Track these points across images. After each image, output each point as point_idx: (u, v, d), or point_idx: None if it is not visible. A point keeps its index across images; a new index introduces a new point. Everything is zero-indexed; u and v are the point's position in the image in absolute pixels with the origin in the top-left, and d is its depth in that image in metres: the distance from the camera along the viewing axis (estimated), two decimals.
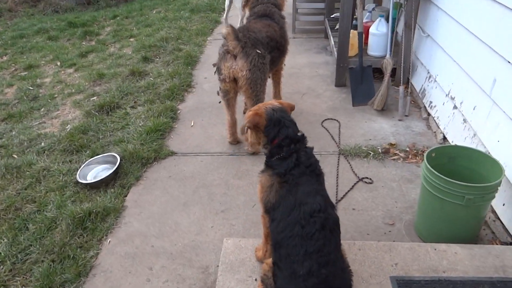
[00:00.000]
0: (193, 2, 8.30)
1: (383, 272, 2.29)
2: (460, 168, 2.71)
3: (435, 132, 3.90)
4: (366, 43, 4.79)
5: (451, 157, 2.73)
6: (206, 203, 3.12)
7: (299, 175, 1.93)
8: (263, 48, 3.30)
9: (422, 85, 4.37)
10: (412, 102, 4.41)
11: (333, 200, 3.06)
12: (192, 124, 4.15)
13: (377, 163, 3.48)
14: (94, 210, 2.94)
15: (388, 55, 4.25)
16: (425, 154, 2.64)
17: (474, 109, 3.29)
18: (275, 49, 3.56)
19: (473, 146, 3.26)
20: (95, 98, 4.72)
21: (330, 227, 1.89)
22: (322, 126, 4.02)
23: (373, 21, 4.78)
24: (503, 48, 2.89)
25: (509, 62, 2.83)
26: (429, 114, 4.14)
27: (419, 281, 2.22)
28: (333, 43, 5.21)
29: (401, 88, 4.14)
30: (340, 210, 2.98)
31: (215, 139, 3.90)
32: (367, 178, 3.31)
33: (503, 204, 2.75)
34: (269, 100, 2.20)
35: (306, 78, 5.06)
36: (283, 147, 2.00)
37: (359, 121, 4.09)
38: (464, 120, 3.46)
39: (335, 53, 4.88)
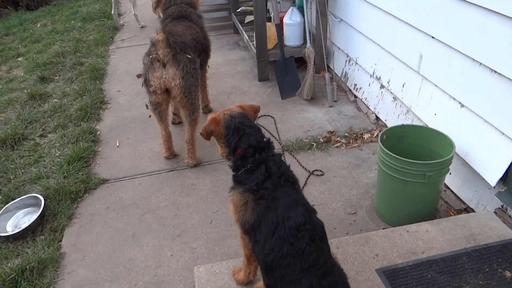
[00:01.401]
0: (83, 10, 7.60)
1: (367, 266, 2.23)
2: (410, 147, 2.76)
3: (366, 113, 3.99)
4: (282, 34, 4.75)
5: (401, 136, 2.77)
6: (158, 229, 2.81)
7: (274, 187, 1.75)
8: (192, 52, 3.04)
9: (343, 69, 4.44)
10: (337, 87, 4.46)
11: None
12: (118, 144, 3.75)
13: (322, 154, 3.45)
14: (27, 267, 2.48)
15: (308, 44, 4.24)
16: (378, 138, 2.63)
17: (403, 86, 3.39)
18: (202, 52, 3.32)
19: (408, 122, 3.37)
20: None
21: (319, 236, 1.75)
22: (258, 124, 3.87)
23: (283, 12, 4.75)
24: (425, 25, 2.99)
25: (433, 37, 2.93)
26: (356, 97, 4.22)
27: (404, 267, 2.20)
28: (247, 37, 5.09)
29: (327, 74, 4.16)
30: None
31: (148, 156, 3.56)
32: (317, 170, 3.25)
33: (450, 173, 2.86)
34: (229, 106, 1.99)
35: (227, 77, 4.88)
36: (247, 157, 1.81)
37: (292, 113, 4.03)
38: (394, 98, 3.56)
39: (252, 47, 4.77)
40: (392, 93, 3.59)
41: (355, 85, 4.22)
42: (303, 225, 1.69)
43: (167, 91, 2.99)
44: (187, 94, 3.04)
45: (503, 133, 2.42)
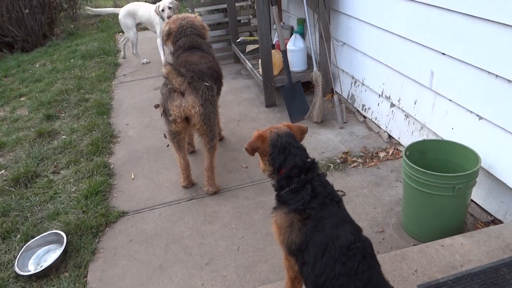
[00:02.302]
0: (82, 48, 7.67)
1: (408, 283, 2.19)
2: (432, 161, 2.77)
3: (378, 132, 4.02)
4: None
5: (422, 151, 2.79)
6: (185, 259, 2.76)
7: (320, 207, 1.74)
8: (209, 79, 3.08)
9: (349, 91, 4.51)
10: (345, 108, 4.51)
11: None
12: (133, 176, 3.72)
13: (341, 174, 3.45)
14: None
15: (315, 68, 4.31)
16: (403, 154, 2.65)
17: (415, 103, 3.45)
18: (217, 80, 3.36)
19: (423, 137, 3.40)
20: (2, 171, 3.99)
21: (370, 253, 1.74)
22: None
23: (285, 39, 4.86)
24: (434, 42, 3.07)
25: (443, 53, 3.01)
26: (365, 117, 4.27)
27: (445, 282, 2.17)
28: (250, 65, 5.17)
29: (335, 96, 4.22)
30: None
31: (165, 187, 3.53)
32: (338, 191, 3.22)
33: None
34: (277, 124, 1.99)
35: (234, 105, 4.92)
36: (292, 177, 1.80)
37: (304, 137, 4.04)
38: (406, 116, 3.61)
39: (258, 75, 4.84)
40: (403, 111, 3.64)
41: (363, 105, 4.27)
42: (353, 243, 1.67)
43: (186, 119, 3.00)
44: (206, 121, 3.05)
45: None
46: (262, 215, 3.07)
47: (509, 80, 2.51)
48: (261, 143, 1.85)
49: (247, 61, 5.34)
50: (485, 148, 2.70)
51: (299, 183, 1.78)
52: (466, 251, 2.36)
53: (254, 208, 3.14)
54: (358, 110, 4.38)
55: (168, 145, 3.80)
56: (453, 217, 2.63)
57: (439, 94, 3.15)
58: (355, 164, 3.55)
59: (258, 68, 4.92)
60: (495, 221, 2.80)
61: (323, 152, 3.77)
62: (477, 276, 2.19)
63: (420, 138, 3.45)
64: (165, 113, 2.98)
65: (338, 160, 3.60)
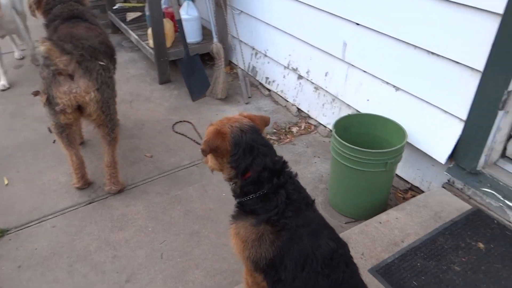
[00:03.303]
0: None
1: (358, 267, 2.09)
2: (354, 136, 2.69)
3: (285, 106, 3.88)
4: (177, 31, 4.36)
5: (346, 127, 2.69)
6: (98, 280, 2.28)
7: (296, 214, 1.48)
8: (104, 57, 2.52)
9: (249, 63, 4.26)
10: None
11: None
12: (6, 182, 2.98)
13: None
14: None
15: (215, 39, 3.94)
16: (333, 132, 2.52)
17: (326, 75, 3.35)
18: (111, 57, 2.79)
19: (335, 110, 3.35)
20: None
21: (350, 257, 1.55)
22: (176, 132, 3.48)
23: (171, 6, 4.36)
24: (347, 12, 2.96)
25: (357, 24, 2.92)
26: (269, 90, 4.08)
27: (393, 261, 2.13)
28: (136, 36, 4.56)
29: (240, 70, 3.93)
30: None
31: (53, 190, 2.89)
32: None
33: None
34: (233, 114, 1.61)
35: (121, 83, 4.30)
36: (262, 182, 1.49)
37: (210, 115, 3.71)
38: (316, 88, 3.51)
39: (147, 47, 4.29)
40: (313, 83, 3.52)
41: (267, 78, 4.07)
42: (335, 251, 1.46)
43: (78, 108, 2.42)
44: (104, 109, 2.52)
45: (446, 111, 2.51)
46: (181, 211, 2.70)
47: (428, 51, 2.50)
48: (221, 141, 1.48)
49: (130, 31, 4.69)
50: (402, 117, 2.69)
51: (271, 189, 1.47)
52: (403, 225, 2.35)
53: (171, 204, 2.75)
54: (261, 83, 4.17)
55: (54, 141, 3.13)
56: (382, 191, 2.62)
57: (352, 65, 3.08)
58: (270, 142, 3.34)
59: (147, 40, 4.35)
60: (413, 188, 2.88)
61: None
62: (419, 249, 2.19)
63: (332, 111, 3.39)
64: (50, 102, 2.36)
65: None
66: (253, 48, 4.18)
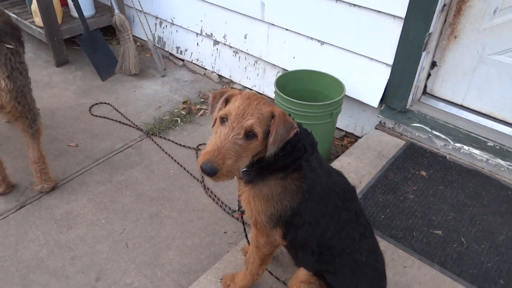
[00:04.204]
0: None
1: None
2: (291, 93, 2.75)
3: (204, 74, 3.78)
4: (64, 4, 3.90)
5: (283, 85, 2.75)
6: (63, 286, 2.04)
7: (312, 155, 1.49)
8: (11, 40, 2.15)
9: (154, 34, 4.02)
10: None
11: (199, 182, 2.61)
12: None
13: (193, 126, 3.13)
14: None
15: (116, 10, 3.60)
16: (277, 92, 2.55)
17: (245, 37, 3.33)
18: (19, 39, 2.38)
19: (259, 72, 3.38)
20: None
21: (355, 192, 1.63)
22: (96, 116, 3.17)
23: None
24: None
25: None
26: (183, 60, 3.93)
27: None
28: (13, 15, 3.94)
29: (150, 42, 3.69)
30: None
31: None
32: (201, 144, 2.94)
33: None
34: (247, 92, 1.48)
35: None
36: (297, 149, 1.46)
37: (127, 94, 3.45)
38: (236, 52, 3.49)
39: (33, 26, 3.75)
40: (232, 47, 3.48)
41: (178, 48, 3.90)
42: (347, 184, 1.53)
43: None
44: (20, 99, 2.19)
45: (373, 59, 2.71)
46: (132, 196, 2.51)
47: (350, 3, 2.64)
48: (292, 125, 1.39)
49: (5, 11, 4.02)
50: (332, 69, 2.82)
51: (296, 139, 1.45)
52: (356, 168, 2.53)
53: (118, 191, 2.54)
54: (172, 54, 3.98)
55: None
56: (328, 141, 2.76)
57: (273, 25, 3.11)
58: (201, 111, 3.26)
59: (31, 18, 3.80)
60: (347, 135, 3.10)
61: (159, 106, 3.31)
62: (376, 187, 2.39)
63: (256, 73, 3.41)
64: None
65: (182, 112, 3.23)
66: (157, 17, 3.94)
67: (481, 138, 2.56)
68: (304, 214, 1.46)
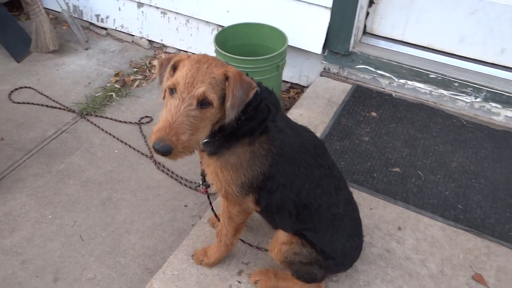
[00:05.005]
0: None
1: None
2: (232, 49, 2.62)
3: (132, 41, 3.50)
4: None
5: (223, 42, 2.59)
6: None
7: (276, 115, 1.39)
8: None
9: (68, 3, 3.62)
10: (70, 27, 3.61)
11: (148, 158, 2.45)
12: None
13: (131, 99, 2.90)
14: None
15: None
16: (218, 51, 2.40)
17: None
18: None
19: (193, 31, 3.18)
20: None
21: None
22: (18, 103, 2.84)
23: None
24: None
25: None
26: (105, 29, 3.60)
27: None
28: None
29: (65, 12, 3.31)
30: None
31: None
32: (144, 117, 2.75)
33: None
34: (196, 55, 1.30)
35: None
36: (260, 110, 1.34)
37: (50, 73, 3.12)
38: (164, 12, 3.23)
39: None
40: (159, 7, 3.22)
41: (98, 15, 3.55)
42: (316, 139, 1.46)
43: None
44: None
45: (311, 3, 2.60)
46: (77, 185, 2.31)
47: None
48: (244, 75, 1.25)
49: None
50: (271, 20, 2.69)
51: (258, 99, 1.33)
52: (309, 119, 2.48)
53: (60, 182, 2.32)
54: (92, 23, 3.62)
55: None
56: (277, 94, 2.65)
57: None
58: (137, 82, 3.03)
59: None
60: (293, 86, 3.03)
61: (89, 83, 3.03)
62: (331, 134, 2.37)
63: (189, 33, 3.20)
64: None
65: (116, 86, 2.98)
66: None
67: (423, 71, 2.59)
68: (276, 177, 1.38)
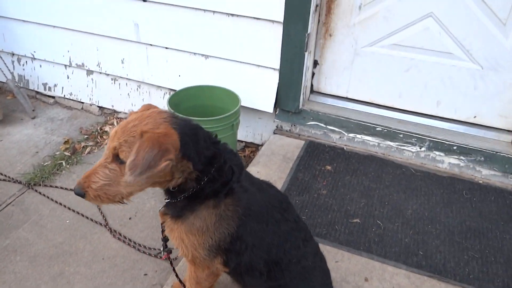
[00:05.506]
0: None
1: None
2: (186, 110, 2.66)
3: (82, 108, 3.45)
4: None
5: (176, 104, 2.62)
6: None
7: (241, 177, 1.39)
8: None
9: (13, 73, 3.55)
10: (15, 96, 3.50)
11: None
12: None
13: (82, 166, 2.81)
14: None
15: None
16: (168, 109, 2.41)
17: (123, 62, 3.12)
18: None
19: (145, 96, 3.20)
20: None
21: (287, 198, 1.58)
22: None
23: None
24: None
25: (144, 0, 2.81)
26: (53, 97, 3.53)
27: None
28: None
29: (10, 82, 3.23)
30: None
31: None
32: None
33: None
34: (137, 114, 1.28)
35: None
36: (214, 158, 1.30)
37: None
38: (114, 79, 3.25)
39: None
40: (109, 74, 3.23)
41: (45, 84, 3.50)
42: (281, 195, 1.47)
43: None
44: None
45: (260, 65, 2.73)
46: (25, 261, 2.13)
47: (227, 14, 2.63)
48: (168, 137, 1.18)
49: None
50: (222, 82, 2.77)
51: (221, 161, 1.31)
52: (266, 176, 2.51)
53: (5, 259, 2.13)
54: (39, 92, 3.55)
55: None
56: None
57: (151, 45, 2.96)
58: (88, 149, 2.95)
59: None
60: (248, 145, 3.08)
61: (37, 152, 2.91)
62: (290, 189, 2.41)
63: (141, 97, 3.22)
64: None
65: (66, 153, 2.87)
66: (13, 54, 3.48)
67: (369, 124, 2.74)
68: (245, 238, 1.36)
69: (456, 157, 2.56)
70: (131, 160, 1.13)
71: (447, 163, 2.60)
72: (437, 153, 2.60)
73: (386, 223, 2.20)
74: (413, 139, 2.64)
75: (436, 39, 2.51)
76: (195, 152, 1.24)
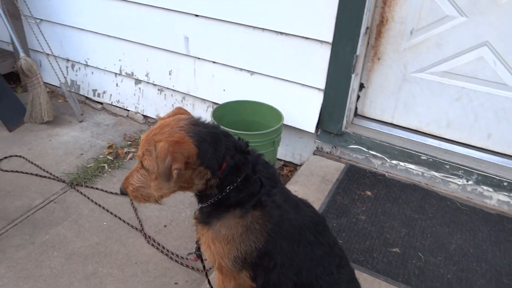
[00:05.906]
0: None
1: None
2: (229, 124, 2.67)
3: (127, 116, 3.55)
4: None
5: (220, 117, 2.65)
6: None
7: (273, 189, 1.37)
8: None
9: (66, 78, 3.71)
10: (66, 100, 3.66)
11: (139, 231, 2.35)
12: None
13: (122, 171, 2.86)
14: None
15: (22, 53, 3.26)
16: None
17: (170, 74, 3.20)
18: None
19: (189, 108, 3.25)
20: None
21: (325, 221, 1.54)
22: (6, 171, 2.77)
23: None
24: (183, 5, 2.87)
25: (196, 15, 2.88)
26: (101, 103, 3.66)
27: None
28: None
29: (64, 86, 3.38)
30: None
31: None
32: None
33: None
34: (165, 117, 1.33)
35: None
36: (240, 166, 1.31)
37: (42, 143, 3.09)
38: (161, 90, 3.33)
39: None
40: (156, 85, 3.32)
41: (95, 90, 3.63)
42: (317, 216, 1.42)
43: None
44: None
45: (305, 85, 2.72)
46: (61, 257, 2.17)
47: (277, 32, 2.65)
48: (184, 146, 1.22)
49: None
50: (265, 98, 2.78)
51: (250, 170, 1.31)
52: (304, 195, 2.40)
53: (43, 254, 2.19)
54: (88, 98, 3.69)
55: None
56: None
57: (199, 58, 3.02)
58: (130, 155, 3.01)
59: None
60: (286, 164, 3.05)
61: (81, 154, 3.00)
62: (328, 212, 2.34)
63: (184, 108, 3.26)
64: None
65: (109, 157, 2.95)
66: (68, 60, 3.65)
67: (414, 152, 2.65)
68: (274, 255, 1.33)
69: (506, 194, 2.43)
70: (157, 167, 1.23)
71: (495, 199, 2.47)
72: (485, 188, 2.47)
73: (428, 256, 2.10)
74: (460, 171, 2.54)
75: (490, 69, 2.42)
76: (215, 160, 1.26)
